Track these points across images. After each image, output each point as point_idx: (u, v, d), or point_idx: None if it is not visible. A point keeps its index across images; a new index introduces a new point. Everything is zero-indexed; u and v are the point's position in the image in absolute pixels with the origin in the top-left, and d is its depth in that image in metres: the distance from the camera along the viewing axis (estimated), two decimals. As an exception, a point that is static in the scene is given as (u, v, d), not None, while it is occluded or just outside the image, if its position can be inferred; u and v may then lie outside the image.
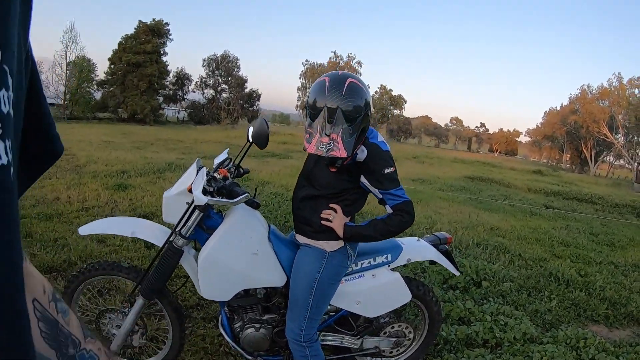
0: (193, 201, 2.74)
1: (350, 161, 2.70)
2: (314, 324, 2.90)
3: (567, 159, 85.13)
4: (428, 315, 3.55)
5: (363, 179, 2.72)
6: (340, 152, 2.49)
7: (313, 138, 2.53)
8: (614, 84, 67.29)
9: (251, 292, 3.00)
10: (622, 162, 76.68)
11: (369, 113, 2.59)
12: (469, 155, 64.77)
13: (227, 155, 3.39)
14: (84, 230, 2.99)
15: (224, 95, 68.94)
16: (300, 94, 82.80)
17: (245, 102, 66.95)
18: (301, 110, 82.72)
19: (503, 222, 10.92)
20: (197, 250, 3.05)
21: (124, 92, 53.08)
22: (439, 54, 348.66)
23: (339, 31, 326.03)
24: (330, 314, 3.24)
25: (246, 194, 2.67)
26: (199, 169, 2.93)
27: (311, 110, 2.57)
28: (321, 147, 2.50)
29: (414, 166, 27.31)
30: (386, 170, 2.65)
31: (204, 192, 2.65)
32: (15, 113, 0.43)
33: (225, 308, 3.06)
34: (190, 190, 2.76)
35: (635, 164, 53.65)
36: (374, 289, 3.15)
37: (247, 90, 69.50)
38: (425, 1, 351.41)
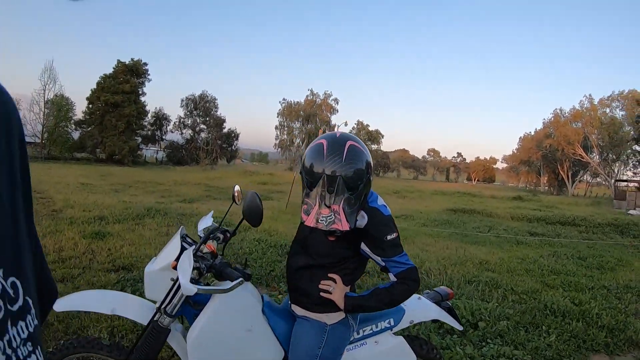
0: (177, 280, 2.54)
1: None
2: None
3: (545, 181, 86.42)
4: None
5: (364, 246, 2.51)
6: (343, 225, 2.28)
7: (312, 209, 2.31)
8: (585, 105, 69.74)
9: None
10: (599, 179, 78.03)
11: (371, 177, 2.40)
12: (448, 186, 65.23)
13: (212, 220, 3.18)
14: (60, 306, 2.67)
15: (203, 135, 69.26)
16: (278, 132, 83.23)
17: (223, 142, 67.30)
18: (279, 149, 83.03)
19: (491, 254, 10.89)
20: (184, 325, 2.88)
21: (102, 132, 53.43)
22: (414, 87, 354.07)
23: (314, 69, 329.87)
24: None
25: (240, 279, 2.41)
26: (183, 240, 2.74)
27: (308, 177, 2.33)
28: (321, 220, 2.28)
29: (396, 201, 27.36)
30: (389, 237, 2.44)
31: (192, 278, 2.44)
32: None
33: None
34: (175, 267, 2.56)
35: (613, 181, 54.65)
36: (377, 356, 2.96)
37: (225, 130, 69.91)
38: (399, 38, 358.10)
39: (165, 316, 2.60)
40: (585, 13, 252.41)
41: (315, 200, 2.29)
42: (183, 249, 2.62)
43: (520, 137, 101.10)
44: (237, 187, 3.12)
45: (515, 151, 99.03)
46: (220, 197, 20.70)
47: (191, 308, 2.68)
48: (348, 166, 2.26)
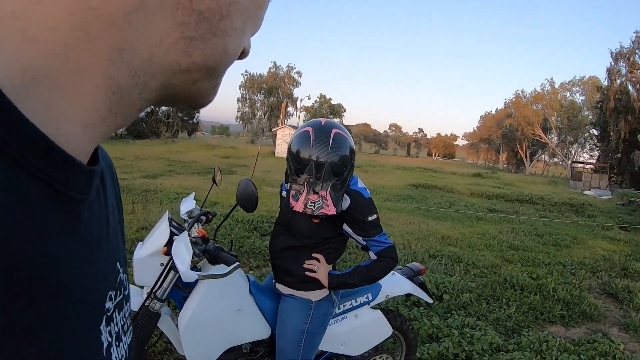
0: (168, 262, 2.57)
1: None
2: None
3: (504, 159, 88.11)
4: (405, 343, 3.61)
5: (346, 227, 2.64)
6: (330, 210, 2.41)
7: (300, 195, 2.43)
8: (546, 88, 71.56)
9: (236, 348, 2.86)
10: (556, 160, 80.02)
11: (354, 163, 2.54)
12: (410, 161, 65.84)
13: (195, 202, 3.24)
14: None
15: (163, 107, 68.09)
16: (240, 105, 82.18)
17: (184, 115, 66.37)
18: (241, 122, 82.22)
19: (452, 229, 11.23)
20: (172, 308, 2.95)
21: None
22: (377, 61, 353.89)
23: (277, 41, 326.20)
24: (315, 358, 3.23)
25: (237, 264, 2.44)
26: (170, 224, 2.74)
27: (295, 164, 2.45)
28: (310, 205, 2.40)
29: (359, 176, 26.21)
30: (370, 218, 2.57)
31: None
32: None
33: None
34: (165, 253, 2.59)
35: (570, 162, 56.10)
36: (357, 329, 3.14)
37: (185, 102, 69.09)
38: (362, 12, 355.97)
39: (155, 301, 2.62)
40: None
41: (304, 186, 2.41)
42: (172, 234, 2.66)
43: (481, 116, 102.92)
44: (216, 168, 3.22)
45: (476, 129, 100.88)
46: (183, 171, 20.46)
47: (179, 291, 2.72)
48: (334, 153, 2.39)
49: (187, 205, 3.16)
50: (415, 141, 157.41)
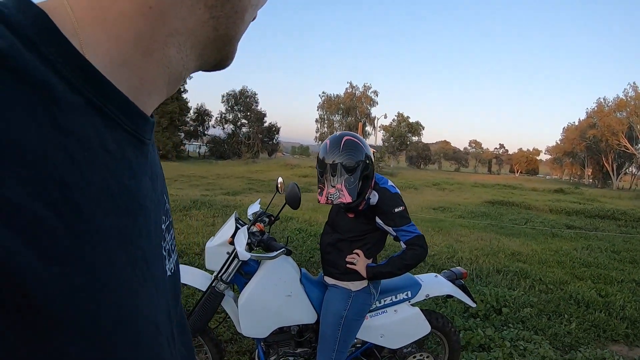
0: (233, 250, 3.11)
1: (365, 206, 3.06)
2: (342, 357, 3.20)
3: (589, 173, 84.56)
4: (448, 344, 3.81)
5: (378, 220, 3.05)
6: (346, 198, 2.85)
7: (323, 191, 2.93)
8: (629, 94, 67.53)
9: (285, 329, 3.34)
10: (645, 172, 76.13)
11: (368, 162, 2.97)
12: (490, 178, 64.62)
13: (260, 206, 3.76)
14: None
15: (244, 129, 70.19)
16: (319, 126, 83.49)
17: (264, 136, 68.09)
18: (320, 142, 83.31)
19: (524, 246, 11.08)
20: (235, 292, 3.41)
21: (147, 129, 55.34)
22: (454, 78, 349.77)
23: (354, 61, 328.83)
24: (357, 346, 3.55)
25: (283, 249, 3.10)
26: (236, 221, 3.34)
27: (319, 169, 3.00)
28: (330, 197, 2.88)
29: (435, 194, 27.51)
30: (396, 209, 2.99)
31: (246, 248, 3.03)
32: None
33: (262, 343, 3.38)
34: (230, 243, 3.15)
35: (659, 174, 53.19)
36: (396, 323, 3.45)
37: (266, 124, 70.78)
38: (436, 28, 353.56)
39: (221, 282, 3.16)
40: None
41: (325, 183, 2.94)
42: (237, 228, 3.24)
43: (563, 128, 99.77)
44: (280, 179, 3.71)
45: (559, 142, 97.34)
46: (262, 189, 21.22)
47: (242, 277, 3.25)
48: (344, 154, 2.90)
49: (253, 208, 3.72)
50: (496, 157, 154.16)
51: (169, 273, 0.57)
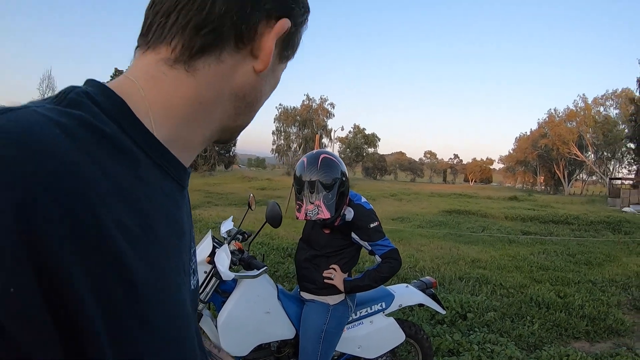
0: (211, 270, 3.11)
1: (341, 222, 3.14)
2: None
3: (542, 181, 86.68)
4: (421, 351, 3.92)
5: (354, 235, 3.13)
6: (325, 214, 2.91)
7: (302, 208, 2.98)
8: (579, 104, 70.08)
9: (264, 346, 3.35)
10: (594, 178, 78.67)
11: (344, 179, 3.05)
12: (445, 188, 65.52)
13: (233, 224, 3.78)
14: None
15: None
16: (275, 138, 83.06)
17: (221, 148, 67.16)
18: (277, 154, 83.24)
19: (483, 253, 11.32)
20: (212, 311, 3.43)
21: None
22: (410, 90, 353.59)
23: (311, 74, 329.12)
24: (335, 358, 3.60)
25: (265, 268, 3.12)
26: (213, 240, 3.34)
27: (297, 186, 3.06)
28: (309, 214, 2.94)
29: (392, 204, 27.73)
30: (372, 225, 3.08)
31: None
32: None
33: None
34: (209, 262, 3.15)
35: (608, 179, 54.96)
36: (372, 334, 3.54)
37: (222, 136, 69.97)
38: (392, 40, 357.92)
39: (199, 302, 3.11)
40: (578, 14, 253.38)
41: (303, 200, 3.00)
42: (214, 247, 3.24)
43: (516, 138, 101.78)
44: (251, 195, 3.79)
45: (512, 151, 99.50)
46: (220, 202, 21.11)
47: (219, 296, 3.25)
48: (322, 172, 2.97)
49: (227, 226, 3.72)
50: (451, 167, 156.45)
51: (192, 287, 0.73)
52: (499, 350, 4.91)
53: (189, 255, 0.70)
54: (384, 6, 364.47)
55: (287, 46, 0.76)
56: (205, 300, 3.15)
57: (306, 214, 2.95)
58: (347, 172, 3.14)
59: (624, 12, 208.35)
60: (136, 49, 0.69)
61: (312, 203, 2.95)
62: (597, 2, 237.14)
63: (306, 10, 0.76)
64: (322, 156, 3.06)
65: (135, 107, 0.60)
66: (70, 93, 0.56)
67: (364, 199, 3.27)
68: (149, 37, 0.66)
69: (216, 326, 3.18)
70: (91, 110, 0.55)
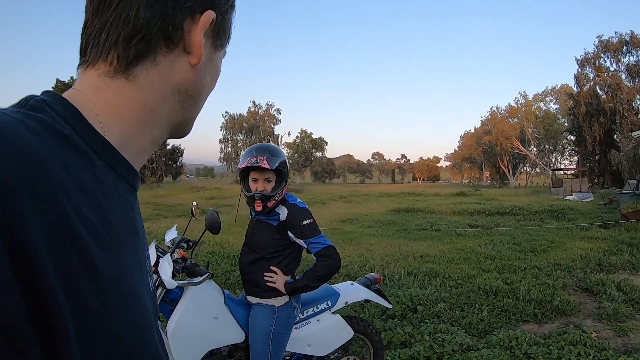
0: (157, 279, 3.05)
1: (275, 219, 3.18)
2: None
3: (487, 176, 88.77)
4: (371, 345, 3.96)
5: (290, 234, 3.15)
6: (264, 164, 3.05)
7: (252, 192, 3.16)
8: (520, 101, 72.39)
9: (216, 351, 3.32)
10: (537, 170, 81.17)
11: (285, 165, 3.21)
12: (394, 188, 66.31)
13: (177, 232, 3.74)
14: None
15: (145, 153, 67.77)
16: (223, 146, 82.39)
17: (168, 159, 66.17)
18: (225, 163, 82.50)
19: (431, 248, 11.48)
20: (161, 320, 3.40)
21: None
22: (355, 93, 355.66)
23: (256, 80, 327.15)
24: (287, 358, 3.61)
25: (207, 274, 3.11)
26: (157, 250, 3.32)
27: (242, 175, 3.28)
28: (255, 163, 3.07)
29: (342, 206, 27.87)
30: (304, 222, 3.12)
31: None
32: None
33: None
34: (154, 272, 3.07)
35: (550, 170, 56.88)
36: (320, 332, 3.57)
37: (169, 147, 68.72)
38: (335, 43, 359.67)
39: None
40: (517, 13, 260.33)
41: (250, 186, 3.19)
42: (158, 257, 3.20)
43: (460, 136, 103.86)
44: (194, 203, 3.76)
45: (457, 149, 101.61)
46: (169, 214, 20.77)
47: (167, 305, 3.20)
48: (267, 149, 3.18)
49: (170, 235, 3.68)
50: (399, 167, 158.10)
51: (151, 289, 0.75)
52: (450, 338, 4.97)
53: (143, 255, 0.73)
54: (328, 11, 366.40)
55: (219, 34, 0.79)
56: None
57: (257, 190, 3.11)
58: (287, 164, 3.26)
59: (561, 11, 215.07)
60: (78, 66, 0.73)
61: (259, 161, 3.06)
62: (534, 2, 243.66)
63: None
64: (264, 142, 3.12)
65: (86, 115, 0.64)
66: (30, 100, 0.62)
67: (298, 200, 3.33)
68: (87, 57, 0.70)
69: (166, 335, 3.13)
70: (50, 115, 0.59)
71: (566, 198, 32.34)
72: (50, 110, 0.60)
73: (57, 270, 0.49)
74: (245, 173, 3.23)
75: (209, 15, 0.72)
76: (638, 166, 30.96)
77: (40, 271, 0.48)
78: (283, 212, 3.15)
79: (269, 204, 3.13)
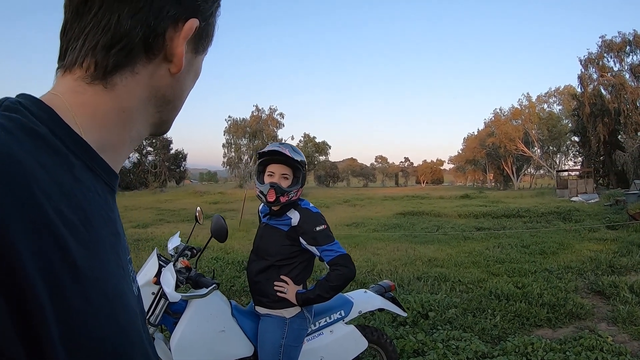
0: (159, 290, 2.90)
1: (286, 225, 3.01)
2: None
3: (491, 178, 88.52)
4: (385, 355, 3.80)
5: (302, 240, 2.98)
6: (285, 152, 2.97)
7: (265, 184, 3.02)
8: (524, 103, 71.89)
9: None
10: (542, 171, 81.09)
11: (304, 165, 3.11)
12: (398, 191, 66.14)
13: (180, 239, 3.57)
14: None
15: (150, 158, 67.68)
16: (226, 150, 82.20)
17: (171, 164, 66.06)
18: (228, 167, 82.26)
19: (439, 252, 11.36)
20: (164, 333, 3.22)
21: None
22: (358, 97, 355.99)
23: (259, 84, 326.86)
24: None
25: (214, 285, 2.92)
26: (159, 258, 3.10)
27: (260, 164, 3.14)
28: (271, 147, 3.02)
29: (346, 210, 27.75)
30: (318, 228, 2.95)
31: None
32: None
33: None
34: (155, 282, 2.92)
35: (555, 172, 56.83)
36: (333, 344, 3.40)
37: (172, 152, 68.77)
38: (338, 47, 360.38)
39: (149, 326, 2.90)
40: (520, 14, 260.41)
41: (265, 179, 3.06)
42: (160, 266, 2.99)
43: (464, 138, 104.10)
44: (198, 209, 3.57)
45: (461, 151, 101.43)
46: (173, 219, 20.66)
47: (170, 317, 3.04)
48: (289, 147, 3.06)
49: (174, 242, 3.49)
50: (402, 170, 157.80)
51: (135, 294, 0.71)
52: (464, 345, 4.85)
53: (125, 257, 0.70)
54: (331, 13, 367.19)
55: (201, 39, 0.77)
56: (156, 323, 2.94)
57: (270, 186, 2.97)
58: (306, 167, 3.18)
59: (564, 11, 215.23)
60: (57, 70, 0.71)
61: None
62: (537, 3, 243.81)
63: (214, 0, 0.76)
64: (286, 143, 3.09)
65: (63, 116, 0.63)
66: (5, 101, 0.61)
67: (311, 204, 3.18)
68: (65, 61, 0.68)
69: (170, 349, 2.98)
70: (26, 115, 0.58)
71: (572, 199, 32.23)
72: (25, 111, 0.59)
73: (39, 270, 0.48)
74: (262, 167, 3.09)
75: (192, 24, 0.70)
76: (644, 167, 30.78)
77: (22, 272, 0.47)
78: (295, 217, 2.99)
79: (282, 199, 2.97)
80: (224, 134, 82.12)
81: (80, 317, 0.52)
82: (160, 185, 58.06)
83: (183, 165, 71.03)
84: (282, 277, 3.02)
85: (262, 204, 3.25)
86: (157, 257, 3.12)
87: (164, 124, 0.81)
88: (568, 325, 5.87)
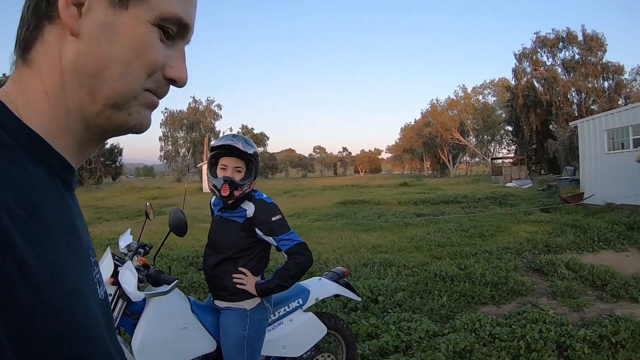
0: (116, 292, 2.79)
1: (242, 217, 2.99)
2: None
3: (428, 166, 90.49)
4: (343, 341, 3.88)
5: (258, 231, 2.97)
6: (238, 145, 2.93)
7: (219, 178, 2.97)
8: (459, 94, 74.41)
9: None
10: (477, 159, 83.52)
11: (257, 157, 3.11)
12: (337, 181, 66.52)
13: (131, 237, 3.50)
14: None
15: (82, 153, 65.74)
16: (163, 144, 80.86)
17: (106, 159, 64.19)
18: (165, 161, 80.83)
19: (382, 238, 11.57)
20: (123, 336, 3.15)
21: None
22: (295, 87, 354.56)
23: (196, 75, 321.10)
24: None
25: (176, 281, 2.83)
26: (113, 258, 2.98)
27: (212, 156, 3.08)
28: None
29: (287, 201, 27.71)
30: (274, 218, 2.95)
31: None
32: None
33: None
34: (112, 283, 2.79)
35: (490, 160, 58.70)
36: (294, 332, 3.44)
37: (107, 146, 66.73)
38: (274, 37, 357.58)
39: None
40: (455, 5, 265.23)
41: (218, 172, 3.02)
42: (116, 266, 2.87)
43: (401, 128, 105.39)
44: (148, 204, 3.50)
45: (398, 141, 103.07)
46: (111, 217, 20.12)
47: (128, 318, 2.91)
48: (240, 139, 3.03)
49: (125, 240, 3.42)
50: (340, 160, 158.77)
51: (101, 297, 0.69)
52: (415, 326, 5.00)
53: (88, 257, 0.67)
54: (268, 4, 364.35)
55: None
56: (115, 326, 2.81)
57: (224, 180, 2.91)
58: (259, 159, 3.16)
59: (500, 7, 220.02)
60: None
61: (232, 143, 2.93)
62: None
63: None
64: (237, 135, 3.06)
65: (10, 107, 0.61)
66: None
67: (265, 195, 3.19)
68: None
69: (132, 352, 2.87)
70: None
71: (506, 185, 33.47)
72: None
73: None
74: (214, 160, 3.03)
75: None
76: (573, 154, 31.92)
77: None
78: (250, 208, 2.98)
79: (236, 193, 2.94)
80: (160, 127, 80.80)
81: (33, 317, 0.50)
82: (95, 182, 56.10)
83: (119, 160, 68.98)
84: (240, 268, 3.00)
85: (214, 197, 3.22)
86: (112, 256, 3.00)
87: (114, 114, 0.67)
88: (511, 302, 6.17)
